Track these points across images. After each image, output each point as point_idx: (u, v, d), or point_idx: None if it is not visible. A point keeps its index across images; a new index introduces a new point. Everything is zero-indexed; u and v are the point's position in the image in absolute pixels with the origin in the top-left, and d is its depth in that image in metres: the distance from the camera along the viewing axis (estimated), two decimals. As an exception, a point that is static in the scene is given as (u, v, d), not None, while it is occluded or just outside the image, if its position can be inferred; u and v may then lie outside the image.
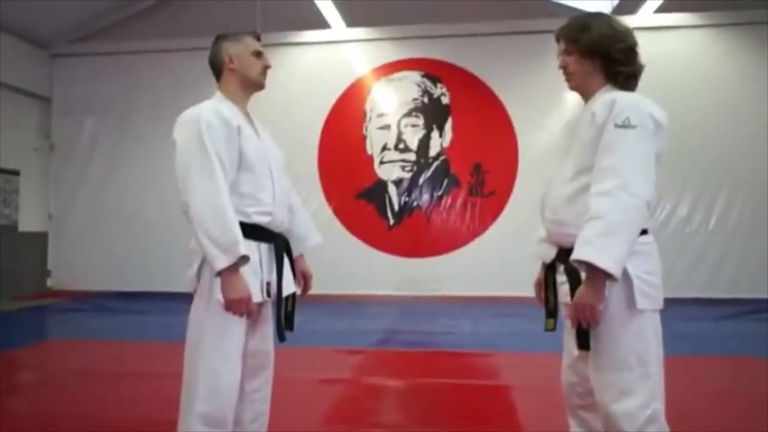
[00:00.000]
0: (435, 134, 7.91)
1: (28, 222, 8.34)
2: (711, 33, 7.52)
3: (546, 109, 7.59)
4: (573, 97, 8.01)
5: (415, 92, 7.97)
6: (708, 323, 6.04)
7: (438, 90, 7.94)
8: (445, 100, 7.94)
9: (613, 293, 1.72)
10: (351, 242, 7.81)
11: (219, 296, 1.90)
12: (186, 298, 2.05)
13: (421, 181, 7.90)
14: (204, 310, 1.95)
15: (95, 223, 8.37)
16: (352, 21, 7.89)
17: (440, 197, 7.85)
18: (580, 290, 1.70)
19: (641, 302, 1.74)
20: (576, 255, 1.65)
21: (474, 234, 7.72)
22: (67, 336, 5.74)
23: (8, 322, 6.35)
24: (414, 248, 7.76)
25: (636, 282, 1.74)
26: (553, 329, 1.90)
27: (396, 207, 7.91)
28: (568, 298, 1.79)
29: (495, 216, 7.60)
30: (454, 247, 7.72)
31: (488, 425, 3.06)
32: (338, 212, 7.90)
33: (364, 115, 8.02)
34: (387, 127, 7.97)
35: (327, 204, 7.87)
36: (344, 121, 7.99)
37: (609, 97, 1.78)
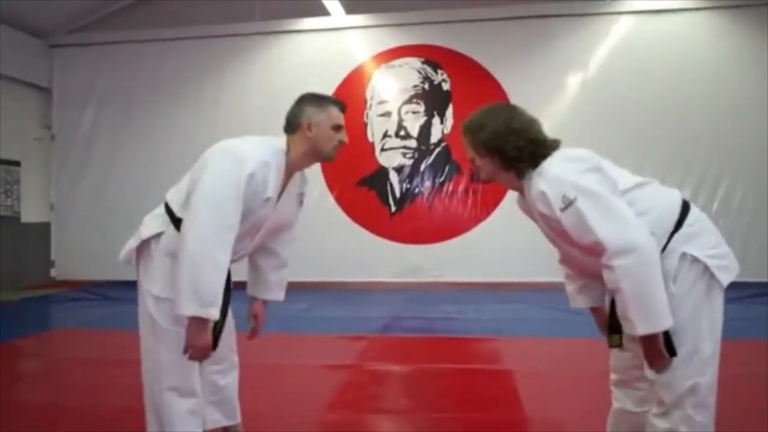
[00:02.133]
0: (436, 121, 7.88)
1: (31, 213, 8.35)
2: (712, 15, 7.45)
3: (547, 93, 7.56)
4: (574, 82, 8.00)
5: (416, 79, 7.93)
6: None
7: (439, 76, 7.91)
8: (445, 86, 7.90)
9: (691, 282, 1.73)
10: (353, 230, 7.81)
11: (151, 288, 1.99)
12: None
13: (422, 167, 7.88)
14: (142, 295, 2.04)
15: (97, 212, 8.37)
16: (351, 8, 7.83)
17: (442, 184, 7.84)
18: (647, 350, 1.71)
19: (723, 278, 1.77)
20: (636, 332, 1.66)
21: (476, 220, 7.71)
22: (71, 325, 5.76)
23: (12, 312, 6.38)
24: (416, 235, 7.76)
25: (709, 262, 1.74)
26: (620, 345, 1.88)
27: (397, 194, 7.90)
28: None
29: (496, 202, 7.58)
30: (456, 233, 7.72)
31: (492, 410, 3.07)
32: (340, 200, 7.90)
33: (365, 102, 7.99)
34: (388, 114, 7.94)
35: (329, 192, 7.86)
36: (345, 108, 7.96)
37: (536, 190, 1.76)
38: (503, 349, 4.46)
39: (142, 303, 2.05)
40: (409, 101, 7.93)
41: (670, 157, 7.36)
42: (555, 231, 1.80)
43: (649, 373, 1.76)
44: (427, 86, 7.92)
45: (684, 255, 1.73)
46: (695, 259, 1.73)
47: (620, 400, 2.00)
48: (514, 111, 1.90)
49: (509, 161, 1.82)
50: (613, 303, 1.81)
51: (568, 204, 1.68)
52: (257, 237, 2.07)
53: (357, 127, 7.89)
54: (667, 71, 7.31)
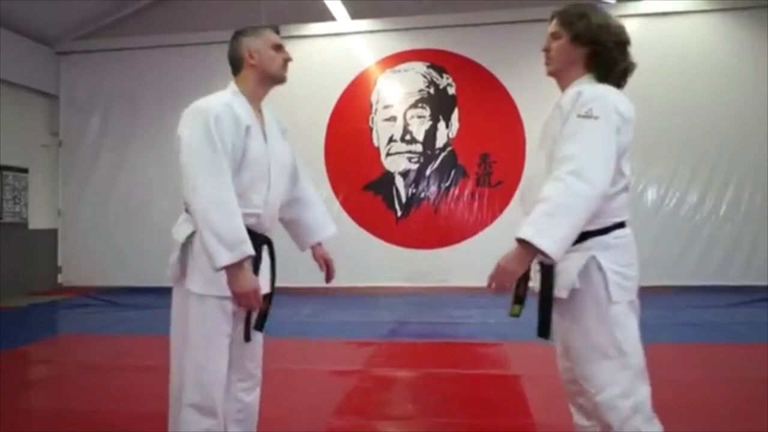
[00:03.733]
0: (441, 125, 7.88)
1: (38, 219, 8.39)
2: (718, 18, 7.42)
3: (553, 97, 7.49)
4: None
5: (421, 83, 7.93)
6: (719, 310, 6.00)
7: (444, 80, 7.91)
8: (451, 90, 7.90)
9: (589, 285, 1.75)
10: (359, 234, 7.81)
11: (194, 287, 1.92)
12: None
13: (428, 172, 7.87)
14: (186, 302, 1.96)
15: (104, 219, 8.41)
16: (356, 12, 7.85)
17: (448, 188, 7.83)
18: (506, 254, 1.74)
19: (616, 294, 1.76)
20: (518, 233, 1.68)
21: (482, 224, 7.69)
22: (78, 331, 5.77)
23: (20, 317, 6.41)
24: (422, 240, 7.75)
25: (610, 275, 1.75)
26: (518, 315, 1.91)
27: (403, 198, 7.90)
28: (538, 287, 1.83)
29: (503, 206, 7.57)
30: (463, 237, 7.70)
31: (499, 415, 3.06)
32: (346, 205, 7.89)
33: (370, 107, 8.00)
34: (393, 118, 7.94)
35: (334, 197, 7.86)
36: (350, 113, 7.98)
37: (576, 89, 1.79)
38: (510, 353, 4.44)
39: (178, 312, 2.01)
40: (414, 106, 7.93)
41: (677, 161, 7.33)
42: (552, 138, 1.79)
43: (590, 395, 1.78)
44: (432, 90, 7.92)
45: (593, 258, 1.76)
46: (600, 267, 1.75)
47: (574, 414, 2.02)
48: (609, 13, 1.94)
49: (606, 53, 1.83)
50: (526, 274, 1.82)
51: (588, 116, 1.70)
52: (272, 182, 2.05)
53: (362, 131, 7.91)
54: (673, 74, 7.29)
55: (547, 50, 1.93)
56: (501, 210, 7.61)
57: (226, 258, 1.78)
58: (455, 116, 7.86)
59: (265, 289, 2.03)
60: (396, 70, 8.00)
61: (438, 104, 7.90)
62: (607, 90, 1.80)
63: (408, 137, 7.91)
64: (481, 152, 7.73)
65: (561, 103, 1.80)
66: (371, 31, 8.11)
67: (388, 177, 7.93)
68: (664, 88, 7.24)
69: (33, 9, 7.64)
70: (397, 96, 7.98)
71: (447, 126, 7.86)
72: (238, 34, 2.13)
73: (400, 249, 7.79)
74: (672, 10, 7.44)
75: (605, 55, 1.83)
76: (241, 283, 1.83)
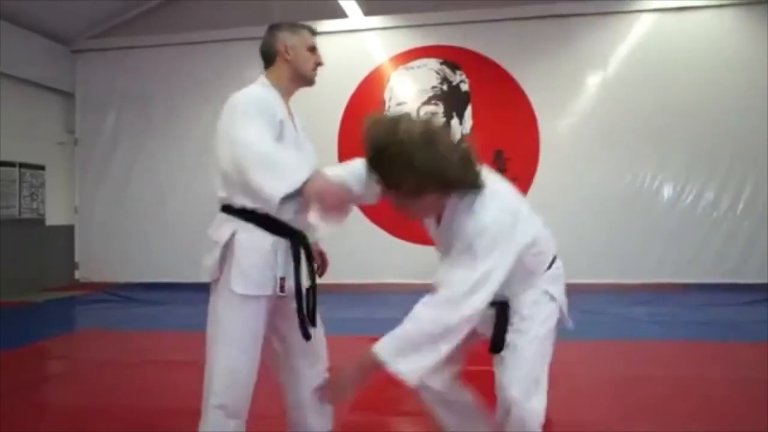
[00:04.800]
0: (455, 122, 7.85)
1: (55, 215, 8.48)
2: (736, 12, 7.28)
3: (566, 93, 7.50)
4: (594, 81, 7.89)
5: (434, 80, 7.91)
6: (736, 308, 5.93)
7: (457, 77, 7.88)
8: (464, 87, 7.87)
9: (545, 315, 1.94)
10: (372, 231, 7.79)
11: (237, 288, 1.91)
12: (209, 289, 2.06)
13: (441, 169, 7.83)
14: (222, 301, 1.96)
15: (119, 215, 8.48)
16: (369, 9, 7.84)
17: (461, 185, 7.79)
18: (347, 365, 1.80)
19: (569, 322, 2.03)
20: (376, 348, 1.75)
21: (496, 221, 7.64)
22: (95, 326, 5.83)
23: (38, 313, 6.49)
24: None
25: (563, 306, 2.00)
26: None
27: (417, 195, 7.86)
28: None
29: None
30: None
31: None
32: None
33: (383, 104, 7.99)
34: (406, 115, 7.92)
35: (348, 193, 7.85)
36: (363, 110, 7.86)
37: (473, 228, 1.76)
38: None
39: (217, 312, 1.99)
40: (427, 102, 7.91)
41: (693, 158, 7.24)
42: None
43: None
44: (445, 87, 7.90)
45: (545, 292, 1.95)
46: (552, 298, 1.96)
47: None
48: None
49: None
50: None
51: (469, 247, 1.74)
52: None
53: (375, 128, 7.89)
54: (689, 70, 7.20)
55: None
56: (516, 206, 7.56)
57: (282, 186, 1.73)
58: (469, 113, 7.83)
59: (306, 283, 2.05)
60: (409, 66, 7.98)
61: (451, 101, 7.87)
62: (487, 208, 1.81)
63: (421, 134, 7.87)
64: (495, 149, 7.68)
65: (457, 232, 1.82)
66: (384, 28, 8.10)
67: (401, 174, 7.90)
68: (678, 85, 7.16)
69: (48, 8, 7.71)
70: (410, 93, 7.96)
71: (460, 123, 7.83)
72: (274, 28, 2.14)
73: (413, 246, 7.76)
74: (687, 5, 7.32)
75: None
76: (320, 189, 1.77)
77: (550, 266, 1.99)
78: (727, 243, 7.13)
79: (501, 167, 7.66)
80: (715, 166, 7.21)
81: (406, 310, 1.75)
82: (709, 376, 3.61)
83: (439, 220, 1.92)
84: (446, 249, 1.88)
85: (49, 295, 7.53)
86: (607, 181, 7.42)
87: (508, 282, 1.79)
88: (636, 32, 7.43)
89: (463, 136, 7.82)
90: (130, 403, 3.21)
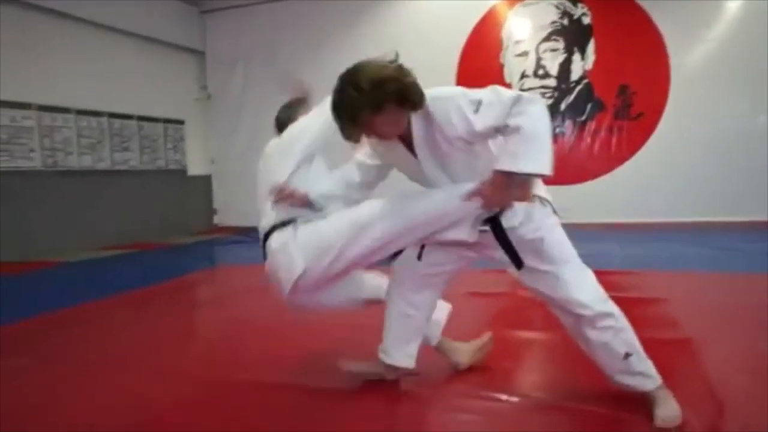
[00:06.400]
0: (576, 57, 7.57)
1: (195, 166, 9.25)
2: None
3: (701, 18, 6.96)
4: (734, 4, 7.28)
5: (554, 15, 7.63)
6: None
7: (578, 10, 7.55)
8: (586, 20, 7.54)
9: (547, 213, 2.07)
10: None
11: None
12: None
13: (562, 107, 7.64)
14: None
15: (250, 165, 8.94)
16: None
17: (583, 123, 7.57)
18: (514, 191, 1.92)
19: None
20: (510, 166, 1.85)
21: (621, 160, 7.39)
22: (232, 263, 6.46)
23: (185, 252, 7.25)
24: (558, 176, 7.43)
25: (552, 203, 2.11)
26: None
27: (536, 135, 7.72)
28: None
29: (644, 139, 7.22)
30: (601, 173, 7.45)
31: (648, 329, 3.06)
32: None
33: (500, 43, 7.84)
34: (525, 53, 7.75)
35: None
36: (480, 51, 7.87)
37: (444, 109, 1.87)
38: (655, 281, 4.37)
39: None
40: (547, 39, 7.67)
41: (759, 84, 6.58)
42: (455, 148, 1.92)
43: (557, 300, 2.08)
44: (566, 22, 7.60)
45: (534, 197, 2.02)
46: (544, 200, 2.08)
47: None
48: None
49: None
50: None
51: (479, 104, 1.83)
52: None
53: (493, 69, 7.77)
54: None
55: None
56: (642, 144, 7.25)
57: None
58: (591, 47, 7.51)
59: None
60: (526, 3, 7.74)
61: (572, 35, 7.58)
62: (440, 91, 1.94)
63: (541, 72, 7.69)
64: (621, 83, 7.35)
65: (450, 125, 1.88)
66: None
67: (520, 114, 7.77)
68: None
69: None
70: (528, 30, 7.74)
71: (582, 58, 7.55)
72: None
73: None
74: None
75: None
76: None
77: None
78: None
79: (626, 102, 7.35)
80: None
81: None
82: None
83: (411, 149, 1.98)
84: (436, 167, 1.98)
85: (194, 237, 8.34)
86: (746, 116, 6.89)
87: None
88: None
89: (585, 72, 7.55)
90: (268, 313, 3.64)
